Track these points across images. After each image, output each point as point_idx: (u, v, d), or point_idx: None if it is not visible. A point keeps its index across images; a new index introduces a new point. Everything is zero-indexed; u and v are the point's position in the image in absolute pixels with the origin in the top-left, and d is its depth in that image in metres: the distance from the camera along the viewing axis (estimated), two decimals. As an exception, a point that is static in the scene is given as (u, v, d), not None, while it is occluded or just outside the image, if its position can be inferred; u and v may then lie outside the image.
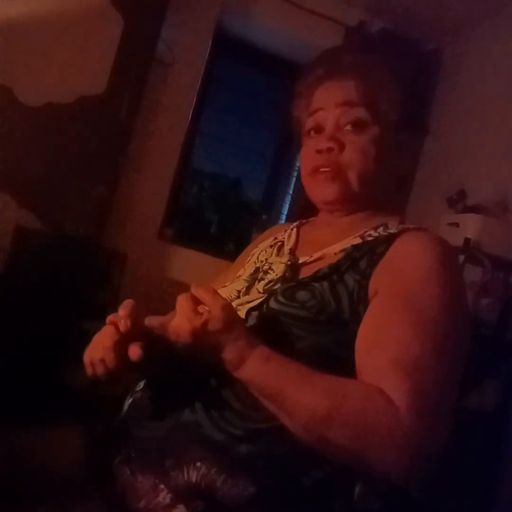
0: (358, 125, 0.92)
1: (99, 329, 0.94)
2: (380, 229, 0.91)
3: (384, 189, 0.97)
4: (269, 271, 0.93)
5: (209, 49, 2.88)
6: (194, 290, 0.75)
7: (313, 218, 1.08)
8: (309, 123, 0.98)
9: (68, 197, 2.41)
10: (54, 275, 2.18)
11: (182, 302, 0.74)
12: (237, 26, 3.03)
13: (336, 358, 0.79)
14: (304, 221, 1.10)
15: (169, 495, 0.75)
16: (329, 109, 0.95)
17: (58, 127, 2.37)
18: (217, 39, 2.92)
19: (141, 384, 0.90)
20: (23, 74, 2.31)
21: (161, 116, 2.75)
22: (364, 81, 0.94)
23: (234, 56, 3.21)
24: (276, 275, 0.90)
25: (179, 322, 0.73)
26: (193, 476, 0.75)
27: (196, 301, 0.74)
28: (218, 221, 3.27)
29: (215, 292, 0.75)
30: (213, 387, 0.80)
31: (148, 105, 2.65)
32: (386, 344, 0.74)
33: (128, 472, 0.79)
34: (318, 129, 0.96)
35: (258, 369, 0.73)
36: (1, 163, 2.30)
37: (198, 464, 0.75)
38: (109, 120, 2.45)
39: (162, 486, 0.76)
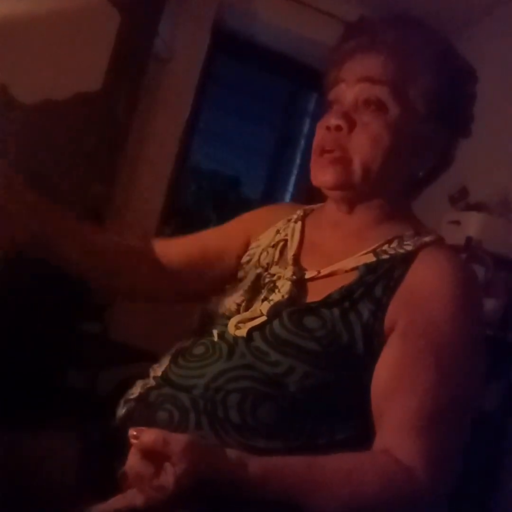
0: (375, 105, 0.82)
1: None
2: (395, 244, 0.83)
3: (397, 185, 0.87)
4: (274, 289, 0.85)
5: (207, 45, 2.86)
6: (140, 445, 0.60)
7: (320, 205, 0.98)
8: (330, 95, 0.88)
9: (64, 194, 2.39)
10: (51, 274, 2.15)
11: (134, 470, 0.60)
12: (236, 22, 3.01)
13: (349, 398, 0.76)
14: (308, 209, 1.00)
15: None
16: (350, 83, 0.84)
17: (55, 124, 2.35)
18: (215, 36, 2.90)
19: (135, 393, 0.86)
20: (18, 71, 2.29)
21: (159, 113, 2.73)
22: (395, 59, 0.83)
23: (232, 52, 3.19)
24: (283, 296, 0.82)
25: (146, 498, 0.58)
26: None
27: (149, 454, 0.59)
28: (217, 219, 3.25)
29: (165, 438, 0.59)
30: (219, 396, 0.77)
31: (145, 102, 2.62)
32: (403, 393, 0.72)
33: None
34: (336, 103, 0.86)
35: (259, 490, 0.63)
36: (-3, 161, 2.28)
37: None
38: (106, 117, 2.43)
39: None
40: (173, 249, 1.00)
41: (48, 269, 2.20)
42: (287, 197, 3.32)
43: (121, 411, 0.86)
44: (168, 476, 0.58)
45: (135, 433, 0.61)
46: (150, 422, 0.79)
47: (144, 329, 2.44)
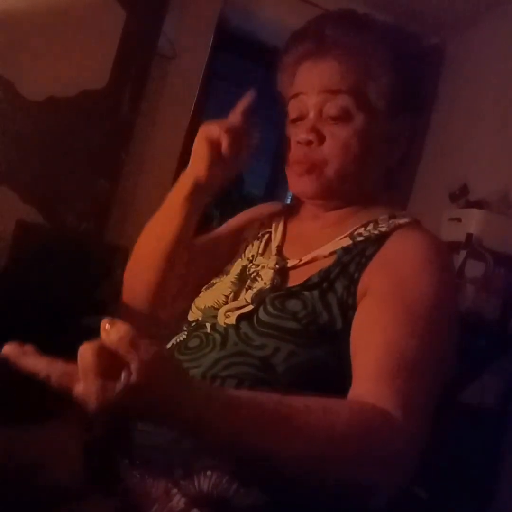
0: (340, 115, 0.84)
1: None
2: (370, 227, 0.86)
3: (372, 182, 0.90)
4: (257, 278, 0.88)
5: (211, 43, 2.87)
6: (105, 340, 0.52)
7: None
8: (292, 107, 0.90)
9: (70, 191, 2.41)
10: (55, 269, 2.17)
11: (84, 359, 0.52)
12: (239, 20, 3.01)
13: (333, 371, 0.78)
14: (290, 204, 1.04)
15: (183, 499, 0.72)
16: (310, 94, 0.86)
17: (60, 121, 2.36)
18: (219, 33, 2.90)
19: None
20: (25, 68, 2.31)
21: (163, 110, 2.74)
22: (349, 62, 0.84)
23: (236, 50, 3.20)
24: (265, 283, 0.85)
25: (84, 390, 0.51)
26: (205, 485, 0.72)
27: (110, 352, 0.52)
28: (220, 216, 3.26)
29: (134, 338, 0.52)
30: (216, 384, 0.78)
31: (149, 100, 2.64)
32: (375, 344, 0.73)
33: (138, 475, 0.77)
34: (301, 116, 0.88)
35: (222, 426, 0.58)
36: (3, 157, 2.30)
37: (209, 473, 0.73)
38: (110, 115, 2.45)
39: (175, 490, 0.73)
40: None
41: (51, 263, 2.22)
42: (289, 194, 3.33)
43: None
44: (118, 382, 0.51)
45: (107, 324, 0.53)
46: None
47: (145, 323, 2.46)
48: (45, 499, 0.75)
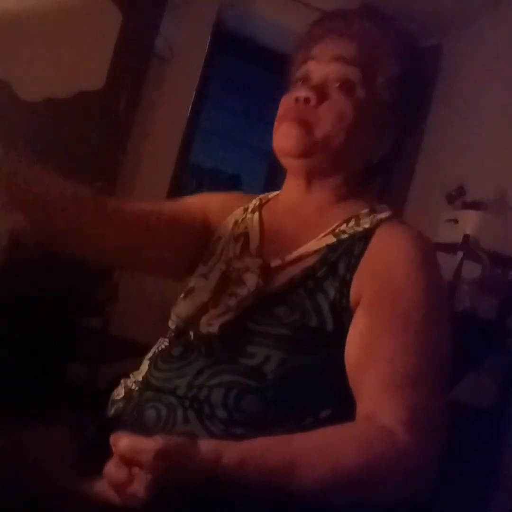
0: (346, 86, 0.84)
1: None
2: (352, 223, 0.85)
3: (354, 169, 0.89)
4: (239, 283, 0.85)
5: (208, 44, 2.88)
6: (116, 452, 0.61)
7: (276, 192, 1.00)
8: (299, 72, 0.89)
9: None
10: (52, 270, 2.17)
11: (109, 476, 0.61)
12: (236, 22, 3.02)
13: (327, 376, 0.78)
14: (264, 198, 1.01)
15: None
16: (321, 61, 0.87)
17: (57, 122, 2.37)
18: (216, 35, 2.91)
19: (121, 392, 0.87)
20: (21, 69, 2.31)
21: (160, 111, 2.74)
22: (367, 46, 0.86)
23: (233, 51, 3.21)
24: (249, 289, 0.82)
25: (122, 500, 0.62)
26: None
27: (126, 459, 0.61)
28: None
29: (135, 447, 0.60)
30: (203, 393, 0.77)
31: (146, 101, 2.64)
32: (376, 360, 0.73)
33: None
34: (305, 80, 0.88)
35: (237, 478, 0.63)
36: None
37: None
38: (108, 116, 2.45)
39: None
40: (127, 205, 0.97)
41: (51, 263, 2.21)
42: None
43: (110, 411, 0.87)
44: (139, 484, 0.59)
45: (113, 439, 0.61)
46: (138, 421, 0.80)
47: (144, 324, 2.46)
48: (41, 499, 0.74)
